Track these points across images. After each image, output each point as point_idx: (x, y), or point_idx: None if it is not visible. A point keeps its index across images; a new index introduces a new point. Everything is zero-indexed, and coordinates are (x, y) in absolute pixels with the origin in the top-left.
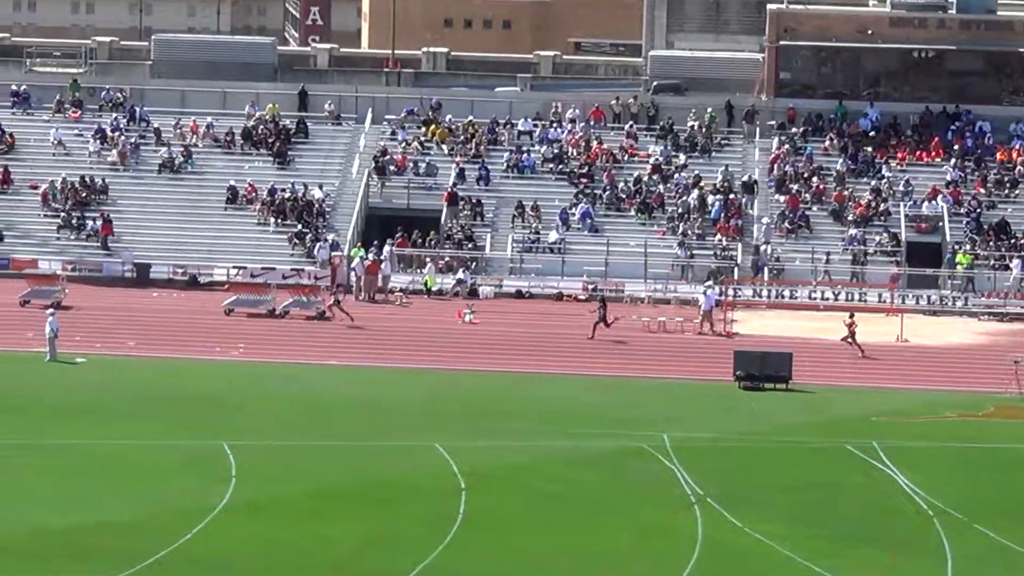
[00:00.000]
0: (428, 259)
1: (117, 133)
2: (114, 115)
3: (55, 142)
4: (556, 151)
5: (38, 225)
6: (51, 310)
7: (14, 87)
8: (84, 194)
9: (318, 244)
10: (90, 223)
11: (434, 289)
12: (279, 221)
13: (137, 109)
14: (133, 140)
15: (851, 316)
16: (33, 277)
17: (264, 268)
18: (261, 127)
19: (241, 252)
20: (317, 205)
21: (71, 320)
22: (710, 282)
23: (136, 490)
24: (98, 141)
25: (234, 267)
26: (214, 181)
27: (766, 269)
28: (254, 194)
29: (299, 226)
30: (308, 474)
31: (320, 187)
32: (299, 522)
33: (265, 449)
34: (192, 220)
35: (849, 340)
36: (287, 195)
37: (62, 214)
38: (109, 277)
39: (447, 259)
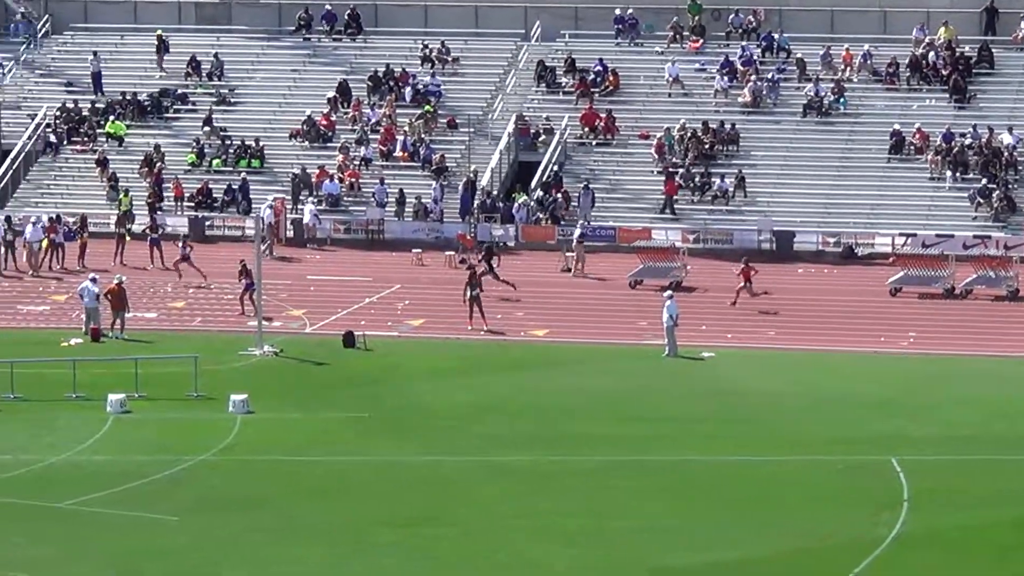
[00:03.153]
0: None
1: (749, 67)
2: (744, 44)
3: (670, 79)
4: None
5: (650, 185)
6: (668, 292)
7: (618, 11)
8: (708, 145)
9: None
10: (717, 181)
11: None
12: (958, 175)
13: (775, 36)
14: (770, 75)
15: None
16: (646, 251)
17: (939, 236)
18: (933, 56)
19: (909, 215)
20: (1006, 154)
21: (694, 305)
22: None
23: (777, 518)
24: (725, 78)
25: (900, 235)
26: (873, 126)
27: None
28: (925, 142)
29: (983, 181)
30: (1003, 498)
31: (1010, 131)
32: (993, 558)
33: (946, 466)
34: (846, 176)
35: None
36: (968, 142)
37: (680, 170)
38: (742, 249)
39: None
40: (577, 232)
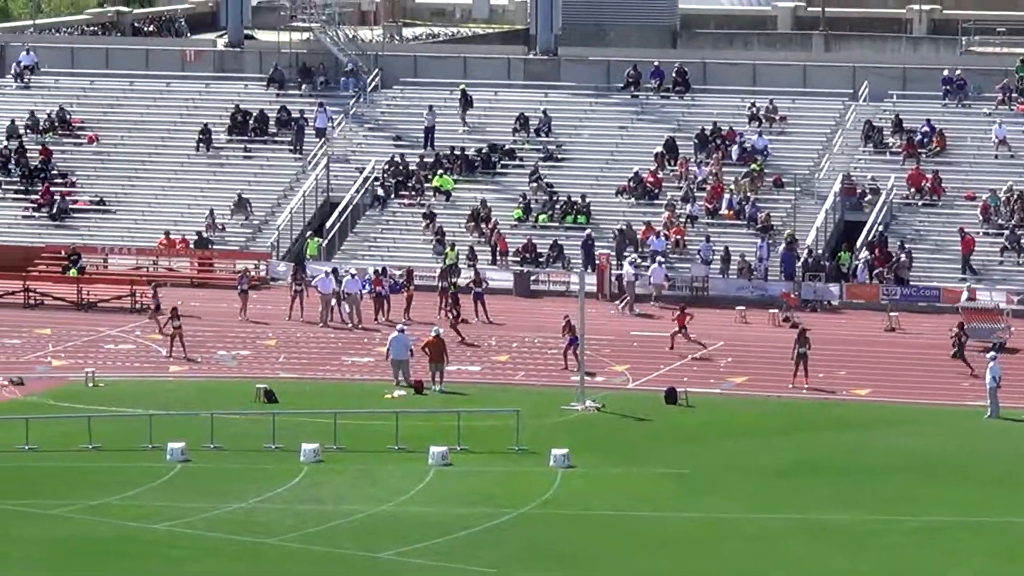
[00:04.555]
0: None
1: None
2: None
3: (997, 141)
4: None
5: (977, 246)
6: (992, 353)
7: (946, 72)
8: None
9: None
10: None
11: None
12: None
13: None
14: None
15: None
16: (971, 311)
17: None
18: None
19: None
20: None
21: (1017, 367)
22: None
23: None
24: None
25: None
26: None
27: None
28: None
29: None
30: None
31: None
32: None
33: None
34: None
35: None
36: None
37: (1006, 232)
38: None
39: None
40: None
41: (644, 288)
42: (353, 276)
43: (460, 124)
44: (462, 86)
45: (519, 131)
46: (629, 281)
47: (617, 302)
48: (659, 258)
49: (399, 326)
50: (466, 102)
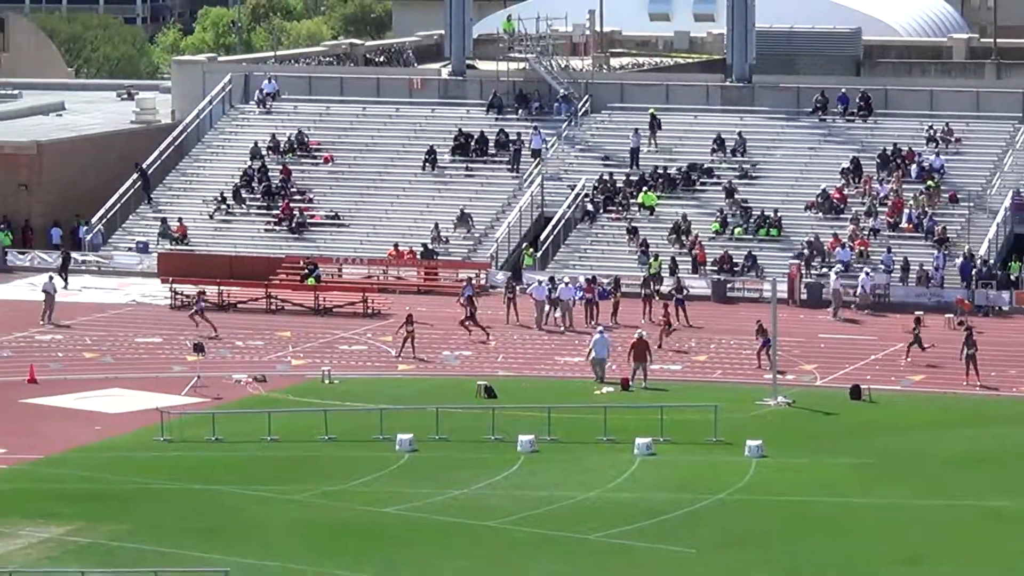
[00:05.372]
0: None
1: None
2: None
3: None
4: None
5: None
6: None
7: None
8: None
9: None
10: None
11: None
12: None
13: None
14: None
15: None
16: None
17: None
18: None
19: None
20: None
21: None
22: None
23: None
24: None
25: None
26: None
27: None
28: None
29: None
30: None
31: None
32: None
33: None
34: None
35: None
36: None
37: None
38: None
39: None
40: None
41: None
42: (567, 284)
43: (662, 145)
44: (651, 110)
45: (716, 151)
46: (836, 290)
47: (829, 309)
48: (867, 269)
49: (599, 328)
50: (656, 125)
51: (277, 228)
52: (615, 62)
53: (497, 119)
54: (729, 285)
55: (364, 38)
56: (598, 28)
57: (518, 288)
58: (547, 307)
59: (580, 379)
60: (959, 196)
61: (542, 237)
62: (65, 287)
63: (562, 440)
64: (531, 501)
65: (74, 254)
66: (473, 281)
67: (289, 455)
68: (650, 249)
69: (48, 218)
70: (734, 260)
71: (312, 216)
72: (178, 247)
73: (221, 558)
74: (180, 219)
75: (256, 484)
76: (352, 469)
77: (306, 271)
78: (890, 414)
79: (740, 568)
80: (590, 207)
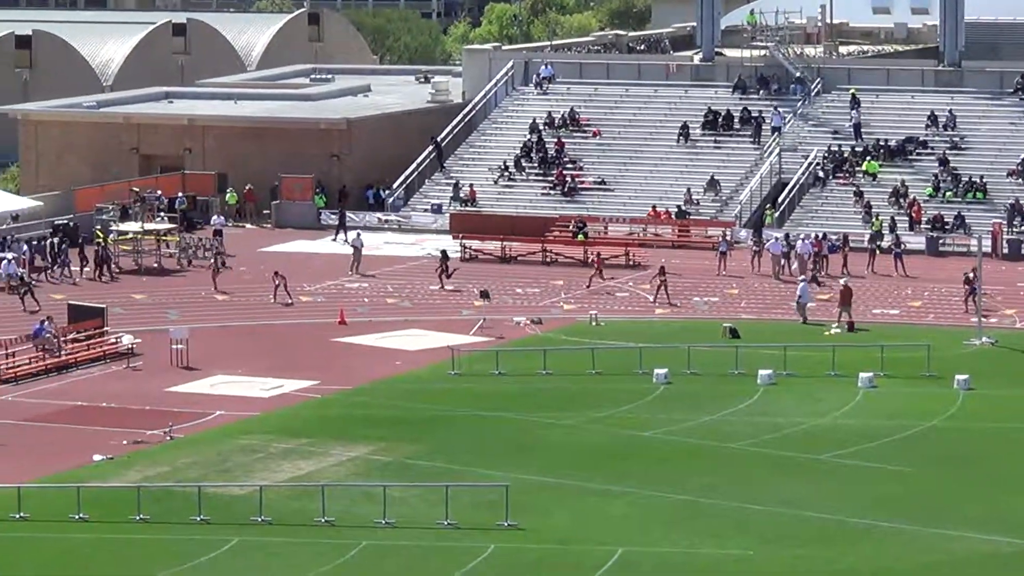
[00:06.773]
0: None
1: None
2: None
3: None
4: None
5: None
6: None
7: None
8: None
9: None
10: None
11: None
12: None
13: None
14: None
15: None
16: None
17: None
18: None
19: None
20: None
21: None
22: None
23: None
24: None
25: None
26: None
27: None
28: None
29: None
30: None
31: None
32: None
33: None
34: None
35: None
36: None
37: None
38: None
39: None
40: None
41: None
42: (803, 240)
43: (885, 120)
44: (852, 90)
45: (930, 126)
46: None
47: None
48: None
49: (800, 278)
50: (856, 103)
51: (552, 192)
52: (843, 49)
53: (741, 99)
54: (941, 241)
55: (627, 29)
56: (829, 20)
57: (762, 243)
58: (783, 260)
59: (813, 323)
60: None
61: (779, 200)
62: (345, 240)
63: (796, 374)
64: (768, 427)
65: (378, 214)
66: (727, 236)
67: (561, 387)
68: (872, 210)
69: (355, 184)
70: (945, 220)
71: (582, 182)
72: (467, 208)
73: (503, 475)
74: (471, 185)
75: (534, 411)
76: (615, 399)
77: (576, 229)
78: None
79: (952, 483)
80: (821, 174)
